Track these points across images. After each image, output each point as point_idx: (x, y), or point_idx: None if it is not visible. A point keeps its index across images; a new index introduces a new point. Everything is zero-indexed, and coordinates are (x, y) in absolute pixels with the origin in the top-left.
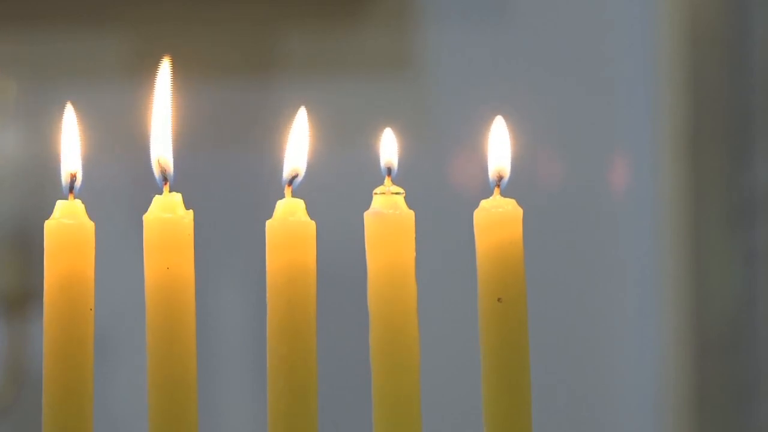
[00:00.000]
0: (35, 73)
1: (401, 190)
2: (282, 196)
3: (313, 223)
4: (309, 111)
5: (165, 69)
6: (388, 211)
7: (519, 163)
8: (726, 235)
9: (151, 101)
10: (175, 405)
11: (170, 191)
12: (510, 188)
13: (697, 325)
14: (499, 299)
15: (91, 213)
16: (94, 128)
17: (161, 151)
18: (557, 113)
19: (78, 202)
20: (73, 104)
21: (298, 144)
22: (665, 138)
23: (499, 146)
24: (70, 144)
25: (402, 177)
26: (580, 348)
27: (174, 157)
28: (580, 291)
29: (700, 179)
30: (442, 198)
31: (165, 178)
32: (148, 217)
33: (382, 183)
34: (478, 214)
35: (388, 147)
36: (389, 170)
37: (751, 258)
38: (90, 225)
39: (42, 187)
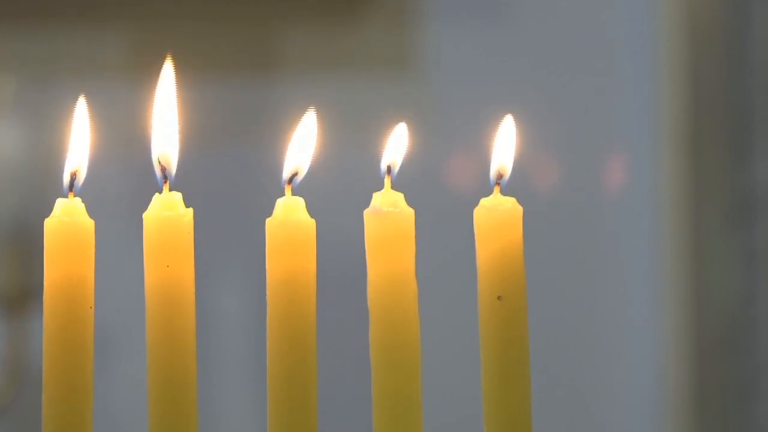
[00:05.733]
0: (35, 69)
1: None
2: (282, 195)
3: (314, 221)
4: (309, 110)
5: (167, 67)
6: (388, 209)
7: (519, 161)
8: (726, 235)
9: (153, 99)
10: (175, 404)
11: (170, 189)
12: (510, 187)
13: (697, 325)
14: (499, 297)
15: (91, 211)
16: (93, 126)
17: (163, 149)
18: (557, 112)
19: (78, 200)
20: (77, 100)
21: (299, 142)
22: (665, 137)
23: (499, 145)
24: (77, 141)
25: (402, 175)
26: (580, 347)
27: (175, 156)
28: (580, 290)
29: (700, 178)
30: (443, 196)
31: (165, 177)
32: (148, 216)
33: (382, 181)
34: (478, 213)
35: (395, 144)
36: (389, 169)
37: (751, 258)
38: (90, 223)
39: (42, 185)
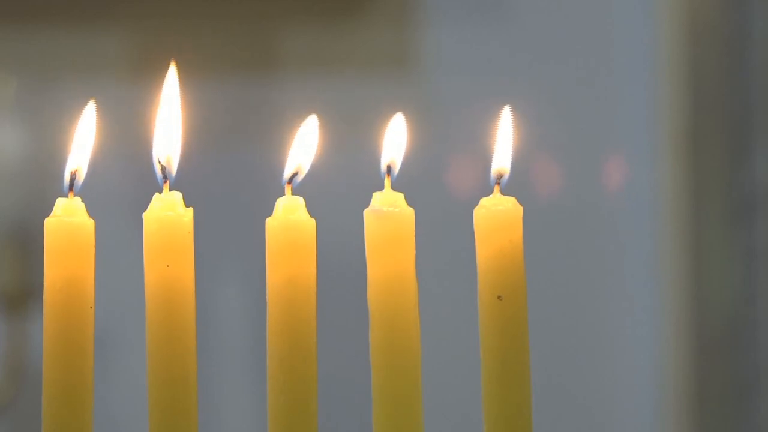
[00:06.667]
0: (36, 69)
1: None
2: (282, 194)
3: (314, 221)
4: (309, 109)
5: (171, 69)
6: (388, 209)
7: (519, 161)
8: (726, 234)
9: (153, 99)
10: (175, 404)
11: (170, 189)
12: (510, 186)
13: (697, 324)
14: (499, 297)
15: (91, 211)
16: (94, 125)
17: (164, 150)
18: (557, 112)
19: (78, 200)
20: (80, 103)
21: (300, 142)
22: (665, 137)
23: (499, 144)
24: (77, 140)
25: (402, 175)
26: (580, 347)
27: (175, 156)
28: (580, 290)
29: (699, 178)
30: (443, 196)
31: (165, 177)
32: (148, 215)
33: (382, 181)
34: (478, 212)
35: (394, 138)
36: (389, 169)
37: (750, 257)
38: (90, 223)
39: (42, 185)
